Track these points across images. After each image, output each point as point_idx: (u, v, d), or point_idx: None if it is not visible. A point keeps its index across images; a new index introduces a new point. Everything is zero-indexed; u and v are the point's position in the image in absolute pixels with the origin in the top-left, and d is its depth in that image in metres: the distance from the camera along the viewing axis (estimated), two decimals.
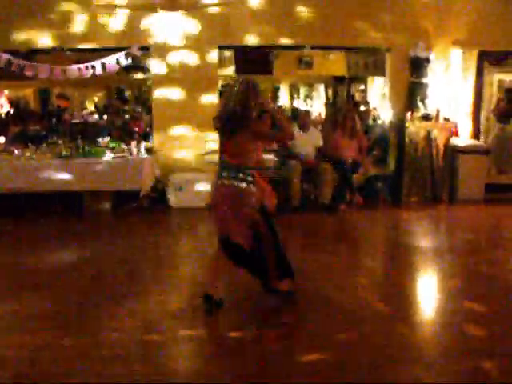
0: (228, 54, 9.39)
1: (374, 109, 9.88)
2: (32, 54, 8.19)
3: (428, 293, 4.78)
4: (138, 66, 8.34)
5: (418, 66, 8.31)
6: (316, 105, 13.49)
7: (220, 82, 8.57)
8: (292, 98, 14.25)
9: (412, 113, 8.23)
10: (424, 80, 8.37)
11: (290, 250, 4.47)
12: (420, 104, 8.31)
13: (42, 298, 4.36)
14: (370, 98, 10.97)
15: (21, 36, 8.00)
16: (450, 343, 3.56)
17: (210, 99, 8.19)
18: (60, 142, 7.92)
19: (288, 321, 3.94)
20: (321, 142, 8.01)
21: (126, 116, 10.45)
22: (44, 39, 8.01)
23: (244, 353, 3.47)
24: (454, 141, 8.30)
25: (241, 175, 3.83)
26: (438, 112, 8.24)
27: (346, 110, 8.37)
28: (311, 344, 3.54)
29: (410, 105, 8.36)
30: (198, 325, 3.88)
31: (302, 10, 8.17)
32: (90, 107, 11.68)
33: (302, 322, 4.02)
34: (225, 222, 3.91)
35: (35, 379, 3.11)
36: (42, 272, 5.14)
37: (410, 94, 8.42)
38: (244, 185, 3.82)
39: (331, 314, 4.03)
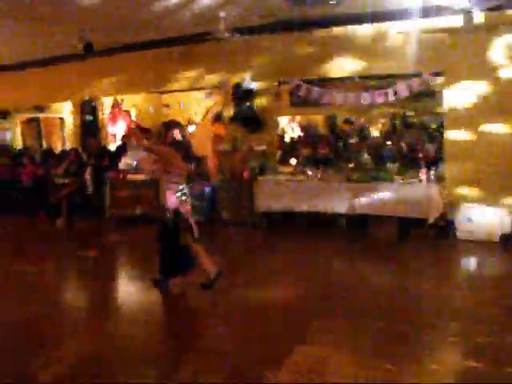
0: None
1: None
2: (322, 81, 8.70)
3: None
4: (428, 92, 8.21)
5: None
6: None
7: None
8: None
9: None
10: None
11: None
12: None
13: None
14: None
15: (317, 67, 8.59)
16: None
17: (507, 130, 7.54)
18: (349, 165, 8.22)
19: None
20: None
21: (410, 142, 10.34)
22: (340, 68, 8.46)
23: None
24: None
25: None
26: None
27: None
28: None
29: None
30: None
31: None
32: (375, 132, 11.88)
33: None
34: None
35: None
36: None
37: None
38: None
39: None
